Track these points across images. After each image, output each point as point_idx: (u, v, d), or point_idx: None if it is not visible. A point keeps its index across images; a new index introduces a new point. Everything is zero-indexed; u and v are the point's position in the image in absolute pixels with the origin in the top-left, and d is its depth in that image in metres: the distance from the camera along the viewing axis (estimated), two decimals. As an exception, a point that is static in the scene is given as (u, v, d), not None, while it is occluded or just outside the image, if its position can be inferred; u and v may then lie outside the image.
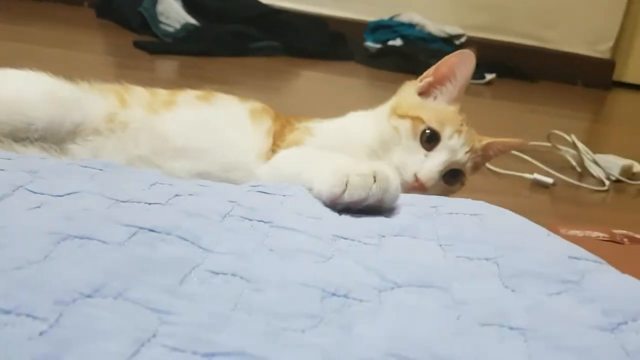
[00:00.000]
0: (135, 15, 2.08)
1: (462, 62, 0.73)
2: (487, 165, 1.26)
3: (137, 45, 1.83)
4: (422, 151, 0.71)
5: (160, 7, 2.05)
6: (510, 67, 2.56)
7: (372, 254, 0.44)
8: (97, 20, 2.28)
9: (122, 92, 0.78)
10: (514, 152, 1.34)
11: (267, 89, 1.80)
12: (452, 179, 0.73)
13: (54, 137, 0.70)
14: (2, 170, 0.51)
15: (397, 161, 0.70)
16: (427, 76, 0.76)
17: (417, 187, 0.69)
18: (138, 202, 0.47)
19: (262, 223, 0.46)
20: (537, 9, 2.67)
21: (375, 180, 0.51)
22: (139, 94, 0.79)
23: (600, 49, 2.74)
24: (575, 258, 0.43)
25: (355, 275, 0.40)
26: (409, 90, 0.77)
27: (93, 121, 0.72)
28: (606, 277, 0.41)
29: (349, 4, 2.64)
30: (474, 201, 0.55)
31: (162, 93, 0.80)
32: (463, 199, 0.56)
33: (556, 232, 0.69)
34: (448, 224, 0.49)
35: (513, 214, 0.53)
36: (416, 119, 0.72)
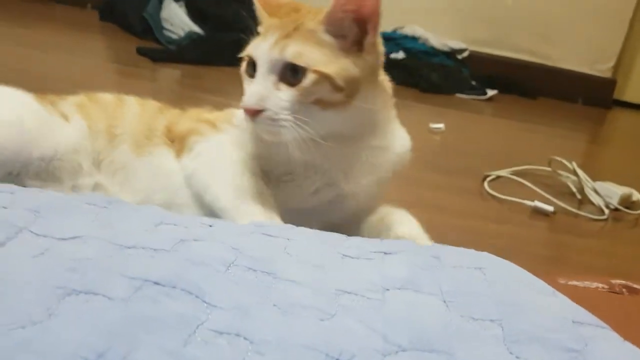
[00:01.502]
0: (138, 20, 2.07)
1: None
2: (488, 189, 1.27)
3: (141, 52, 1.83)
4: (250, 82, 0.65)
5: (164, 13, 2.05)
6: (511, 83, 2.57)
7: (376, 311, 0.44)
8: (99, 24, 2.27)
9: (111, 119, 0.75)
10: (514, 177, 1.35)
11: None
12: (293, 77, 0.62)
13: (24, 170, 0.66)
14: (4, 208, 0.50)
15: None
16: None
17: (252, 113, 0.62)
18: (143, 248, 0.47)
19: (266, 274, 0.46)
20: (540, 26, 2.67)
21: None
22: (128, 116, 0.76)
23: (601, 68, 2.75)
24: (579, 323, 0.43)
25: (359, 336, 0.40)
26: None
27: (67, 157, 0.69)
28: (608, 346, 0.41)
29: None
30: (478, 253, 0.55)
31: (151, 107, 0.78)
32: (466, 250, 0.56)
33: (555, 282, 0.69)
34: (451, 278, 0.49)
35: (517, 267, 0.53)
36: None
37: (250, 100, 0.62)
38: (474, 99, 2.35)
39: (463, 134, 1.84)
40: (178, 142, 0.73)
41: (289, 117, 0.61)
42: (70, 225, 0.49)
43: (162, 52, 1.90)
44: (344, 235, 0.59)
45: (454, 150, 1.62)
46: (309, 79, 0.62)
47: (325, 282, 0.46)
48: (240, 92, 0.66)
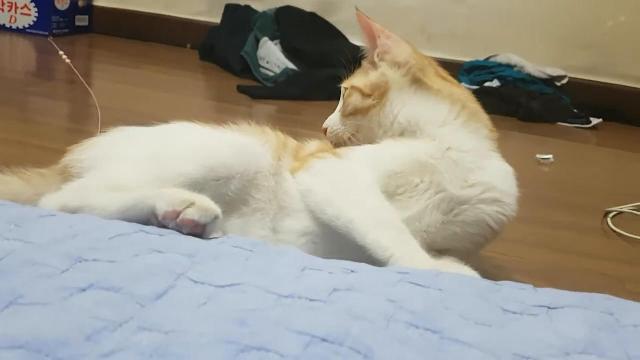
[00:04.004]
0: (237, 59, 2.15)
1: None
2: (612, 227, 1.17)
3: (241, 90, 1.88)
4: None
5: (261, 52, 2.11)
6: (614, 110, 2.41)
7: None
8: (200, 63, 2.38)
9: (280, 142, 0.80)
10: (638, 213, 1.24)
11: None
12: None
13: (243, 189, 0.72)
14: (160, 252, 0.51)
15: None
16: None
17: (324, 131, 0.82)
18: (299, 298, 0.45)
19: (431, 333, 0.43)
20: (642, 50, 2.50)
21: None
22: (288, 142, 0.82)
23: None
24: None
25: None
26: None
27: (263, 170, 0.75)
28: None
29: (443, 45, 2.60)
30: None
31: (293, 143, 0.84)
32: (638, 305, 0.50)
33: None
34: (637, 340, 0.44)
35: None
36: None
37: (325, 124, 0.83)
38: (578, 128, 2.22)
39: (572, 166, 1.73)
40: (299, 162, 0.76)
41: (342, 129, 0.79)
42: (225, 271, 0.48)
43: (261, 89, 1.95)
44: (492, 282, 0.55)
45: (567, 184, 1.52)
46: (345, 93, 0.81)
47: (496, 343, 0.42)
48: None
